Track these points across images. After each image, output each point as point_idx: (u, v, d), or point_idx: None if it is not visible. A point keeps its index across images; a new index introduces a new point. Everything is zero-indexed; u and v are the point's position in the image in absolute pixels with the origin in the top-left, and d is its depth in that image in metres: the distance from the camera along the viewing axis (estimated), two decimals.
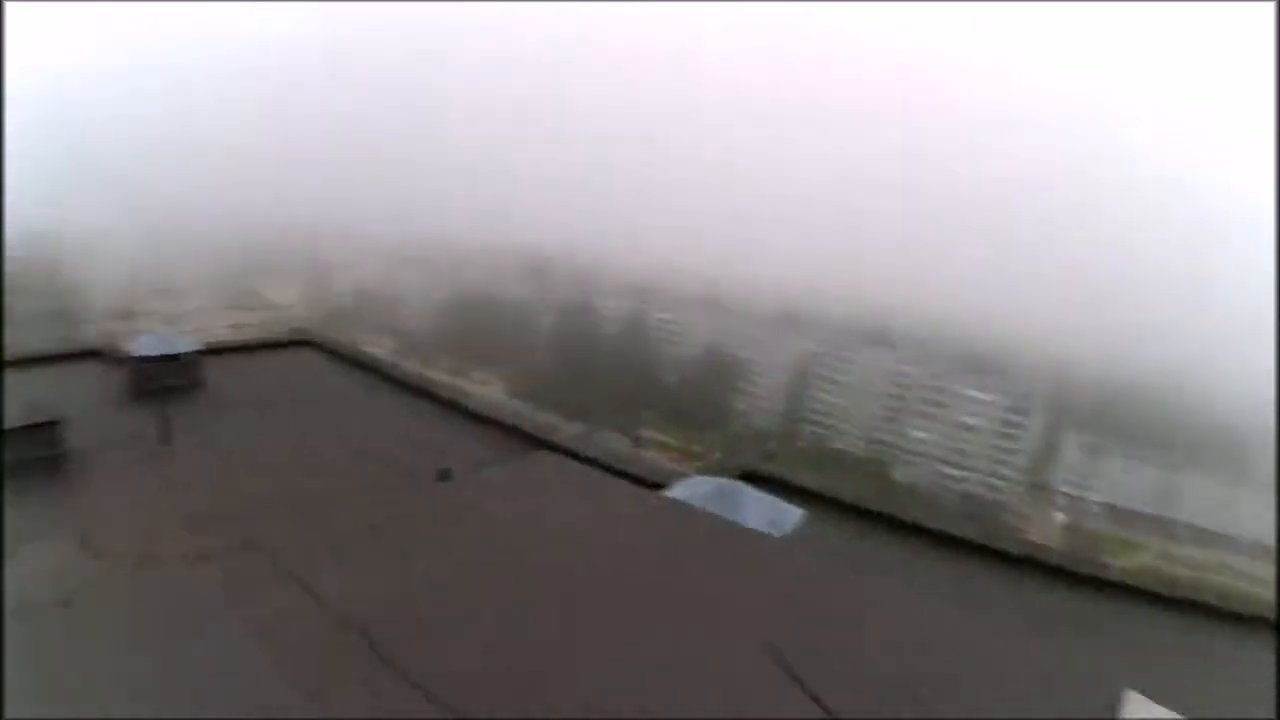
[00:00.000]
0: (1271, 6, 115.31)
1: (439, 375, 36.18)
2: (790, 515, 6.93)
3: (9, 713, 2.39)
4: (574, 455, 8.47)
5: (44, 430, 9.54)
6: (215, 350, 14.81)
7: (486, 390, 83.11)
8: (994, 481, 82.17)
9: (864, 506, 9.95)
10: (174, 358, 13.19)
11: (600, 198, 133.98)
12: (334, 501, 7.76)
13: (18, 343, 22.75)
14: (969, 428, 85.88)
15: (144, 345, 13.33)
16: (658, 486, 7.42)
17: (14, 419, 9.36)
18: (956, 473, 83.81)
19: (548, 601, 3.34)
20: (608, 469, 7.23)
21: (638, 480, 8.03)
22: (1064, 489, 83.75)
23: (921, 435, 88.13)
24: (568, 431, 20.68)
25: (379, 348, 64.09)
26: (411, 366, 18.02)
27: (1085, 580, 8.67)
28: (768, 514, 6.67)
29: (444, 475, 8.46)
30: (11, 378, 12.61)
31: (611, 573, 3.73)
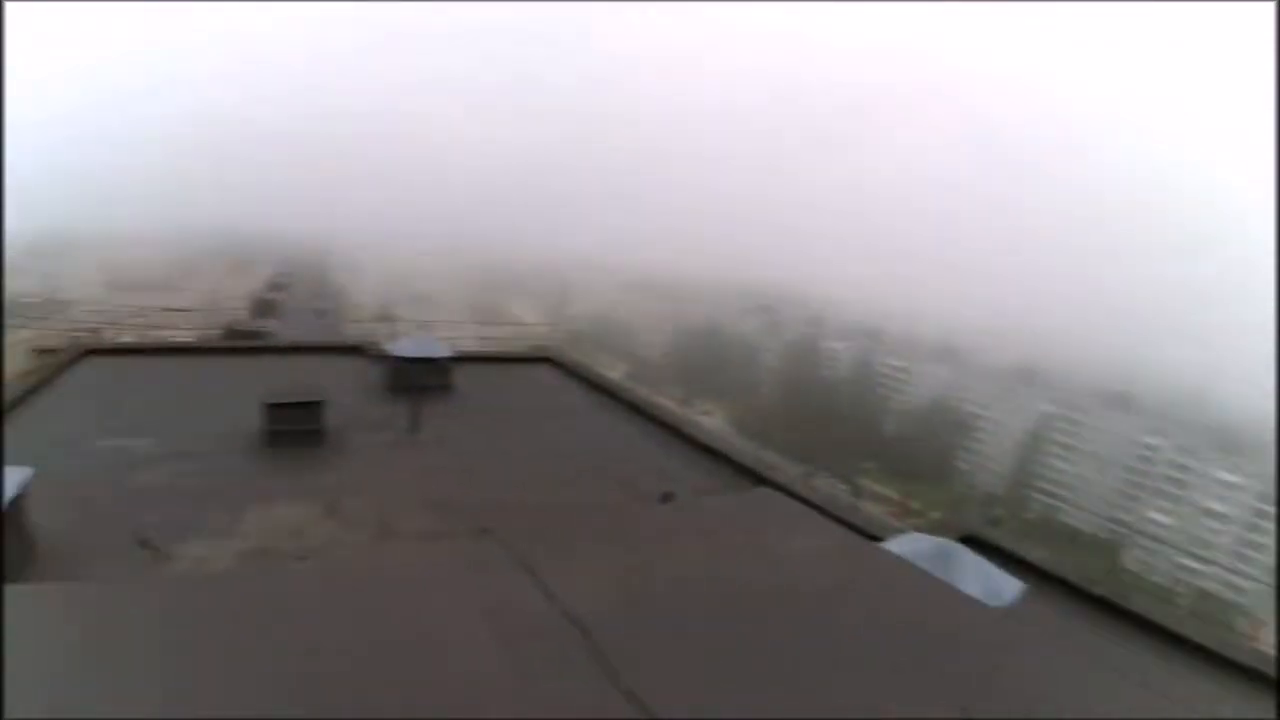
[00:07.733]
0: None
1: (666, 402, 36.26)
2: (1009, 586, 6.44)
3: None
4: (794, 495, 7.90)
5: (308, 408, 10.86)
6: (465, 358, 15.72)
7: (710, 421, 78.87)
8: (1236, 580, 66.17)
9: (1088, 590, 8.84)
10: (429, 360, 14.13)
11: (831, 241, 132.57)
12: (564, 506, 8.82)
13: (290, 335, 25.89)
14: (1215, 514, 72.80)
15: (404, 346, 14.52)
16: (874, 539, 6.94)
17: (285, 395, 10.77)
18: (1195, 565, 67.75)
19: (759, 627, 3.36)
20: (826, 514, 6.60)
21: (855, 529, 7.28)
22: None
23: (1161, 518, 75.49)
24: (789, 471, 21.17)
25: (613, 371, 63.38)
26: (642, 391, 18.51)
27: None
28: (985, 582, 6.26)
29: (667, 497, 8.89)
30: (284, 362, 15.39)
31: (821, 609, 3.62)
